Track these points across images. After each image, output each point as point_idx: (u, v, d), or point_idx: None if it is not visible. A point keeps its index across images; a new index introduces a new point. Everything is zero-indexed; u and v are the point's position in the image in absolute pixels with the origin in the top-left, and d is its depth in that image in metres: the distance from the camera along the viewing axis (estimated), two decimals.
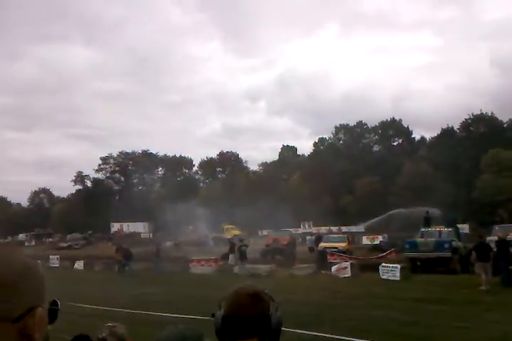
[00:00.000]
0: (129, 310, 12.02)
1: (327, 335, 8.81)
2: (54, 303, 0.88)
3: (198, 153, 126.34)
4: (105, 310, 12.32)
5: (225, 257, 24.46)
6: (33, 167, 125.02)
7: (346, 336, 8.80)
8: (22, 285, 0.76)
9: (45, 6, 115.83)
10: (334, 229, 48.02)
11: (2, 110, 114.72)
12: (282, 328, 1.56)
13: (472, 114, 64.18)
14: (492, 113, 63.12)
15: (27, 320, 0.75)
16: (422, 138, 71.71)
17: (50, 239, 58.21)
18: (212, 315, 1.64)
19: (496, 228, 21.85)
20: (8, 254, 0.80)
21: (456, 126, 65.64)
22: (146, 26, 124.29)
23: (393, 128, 71.84)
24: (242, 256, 22.58)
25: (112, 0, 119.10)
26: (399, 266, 18.12)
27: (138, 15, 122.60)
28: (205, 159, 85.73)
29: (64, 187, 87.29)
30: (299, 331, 8.69)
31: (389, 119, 72.15)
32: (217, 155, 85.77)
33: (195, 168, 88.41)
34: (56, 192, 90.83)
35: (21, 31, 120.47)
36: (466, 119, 64.71)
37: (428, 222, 23.85)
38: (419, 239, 19.94)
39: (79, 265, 28.00)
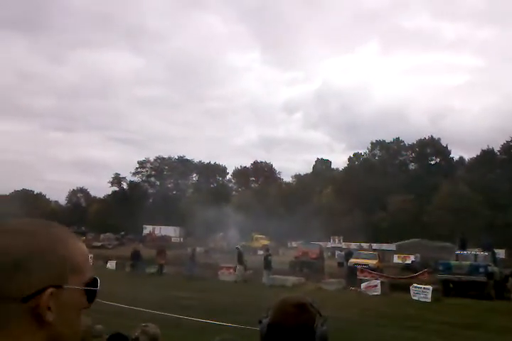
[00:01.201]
0: (159, 312, 12.30)
1: None
2: (92, 283, 0.82)
3: (233, 161, 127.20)
4: (137, 310, 12.64)
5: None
6: (72, 167, 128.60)
7: None
8: (36, 263, 0.74)
9: (93, 13, 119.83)
10: (364, 245, 47.45)
11: (48, 111, 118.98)
12: None
13: None
14: None
15: (39, 299, 0.73)
16: (461, 159, 70.22)
17: (84, 238, 59.74)
18: (260, 322, 1.65)
19: None
20: (23, 229, 0.77)
21: (496, 148, 64.12)
22: (189, 35, 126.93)
23: (431, 146, 70.57)
24: (268, 266, 22.58)
25: (156, 10, 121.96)
26: (431, 287, 17.79)
27: (181, 24, 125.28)
28: (239, 168, 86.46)
29: (101, 188, 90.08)
30: None
31: (427, 138, 71.03)
32: (251, 164, 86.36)
33: (228, 176, 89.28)
34: (93, 192, 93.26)
35: (68, 36, 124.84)
36: (507, 141, 63.05)
37: (464, 244, 23.34)
38: (453, 262, 19.56)
39: (111, 265, 28.59)
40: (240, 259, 23.41)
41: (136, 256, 25.81)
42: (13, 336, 0.72)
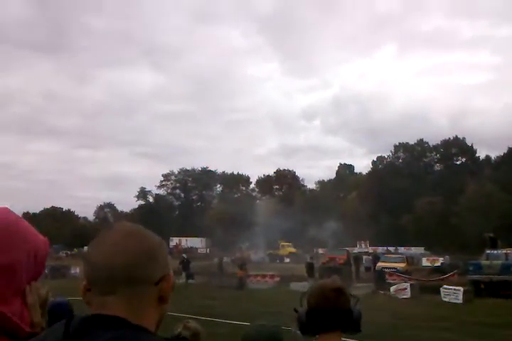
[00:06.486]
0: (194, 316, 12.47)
1: None
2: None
3: (255, 170, 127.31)
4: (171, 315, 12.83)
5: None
6: (99, 183, 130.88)
7: None
8: (160, 255, 0.93)
9: (113, 33, 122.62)
10: (391, 249, 46.97)
11: (74, 129, 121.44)
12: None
13: None
14: None
15: (163, 283, 0.91)
16: (487, 158, 68.90)
17: None
18: (295, 310, 1.76)
19: None
20: (148, 232, 0.97)
21: None
22: (207, 50, 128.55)
23: (456, 146, 69.54)
24: (311, 273, 22.35)
25: (174, 26, 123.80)
26: (462, 288, 17.57)
27: (199, 39, 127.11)
28: (262, 176, 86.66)
29: (127, 203, 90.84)
30: None
31: (451, 138, 70.05)
32: (274, 172, 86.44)
33: (252, 186, 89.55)
34: (120, 207, 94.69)
35: (91, 56, 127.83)
36: None
37: (494, 243, 22.97)
38: (484, 261, 19.26)
39: None
40: (185, 266, 23.58)
41: None
42: (148, 312, 0.90)
